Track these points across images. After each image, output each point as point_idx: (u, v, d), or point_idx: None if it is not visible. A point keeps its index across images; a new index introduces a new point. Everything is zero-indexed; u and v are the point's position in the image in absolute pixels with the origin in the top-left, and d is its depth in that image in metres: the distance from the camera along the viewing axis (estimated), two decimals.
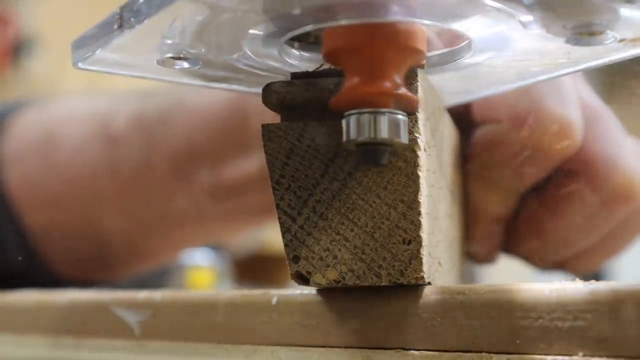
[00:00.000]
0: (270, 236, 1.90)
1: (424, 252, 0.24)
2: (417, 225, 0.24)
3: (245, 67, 0.26)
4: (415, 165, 0.24)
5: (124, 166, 0.49)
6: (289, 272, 0.25)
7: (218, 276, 1.66)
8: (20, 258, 0.52)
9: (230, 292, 0.28)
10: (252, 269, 2.02)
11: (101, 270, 0.54)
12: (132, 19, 0.23)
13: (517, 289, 0.22)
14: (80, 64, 0.25)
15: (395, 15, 0.22)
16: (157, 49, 0.24)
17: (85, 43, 0.25)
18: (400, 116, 0.22)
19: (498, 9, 0.22)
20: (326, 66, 0.25)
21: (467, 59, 0.25)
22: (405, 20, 0.22)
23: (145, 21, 0.22)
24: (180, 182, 0.47)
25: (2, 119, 0.54)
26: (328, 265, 0.24)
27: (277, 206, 0.25)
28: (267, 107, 0.25)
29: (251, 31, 0.23)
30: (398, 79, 0.22)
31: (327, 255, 0.24)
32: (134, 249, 0.53)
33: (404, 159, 0.24)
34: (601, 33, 0.23)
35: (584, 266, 0.39)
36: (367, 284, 0.24)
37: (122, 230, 0.51)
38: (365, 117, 0.22)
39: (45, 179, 0.51)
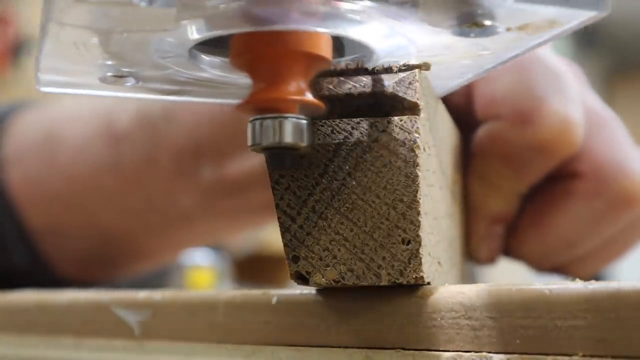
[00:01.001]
0: (270, 236, 1.90)
1: (424, 252, 0.24)
2: (417, 225, 0.24)
3: (188, 80, 0.26)
4: (415, 165, 0.24)
5: (127, 164, 0.49)
6: (289, 272, 0.25)
7: (218, 276, 1.66)
8: (21, 257, 0.52)
9: (230, 292, 0.28)
10: (252, 269, 2.03)
11: (103, 270, 0.54)
12: (42, 40, 0.23)
13: (517, 289, 0.22)
14: (41, 88, 0.26)
15: (296, 23, 0.22)
16: (96, 68, 0.25)
17: (36, 67, 0.25)
18: (303, 121, 0.23)
19: (376, 11, 0.22)
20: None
21: (376, 61, 0.25)
22: (306, 29, 0.23)
23: (45, 43, 0.23)
24: (183, 179, 0.47)
25: (3, 118, 0.54)
26: (327, 265, 0.24)
27: (277, 206, 0.25)
28: None
29: (157, 43, 0.23)
30: (303, 85, 0.23)
31: (326, 255, 0.24)
32: (137, 248, 0.53)
33: (403, 159, 0.24)
34: (485, 24, 0.22)
35: (585, 270, 0.39)
36: (367, 283, 0.24)
37: (125, 229, 0.51)
38: (269, 122, 0.23)
39: (47, 177, 0.51)
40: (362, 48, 0.25)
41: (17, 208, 0.51)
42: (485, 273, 0.44)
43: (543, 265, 0.39)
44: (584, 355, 0.21)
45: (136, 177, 0.48)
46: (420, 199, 0.24)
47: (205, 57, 0.25)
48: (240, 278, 1.90)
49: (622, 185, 0.35)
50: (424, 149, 0.24)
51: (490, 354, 0.23)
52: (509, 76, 0.33)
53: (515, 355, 0.22)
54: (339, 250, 0.24)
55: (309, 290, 0.26)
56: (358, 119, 0.24)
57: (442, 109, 0.29)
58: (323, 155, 0.24)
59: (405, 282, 0.24)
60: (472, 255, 0.37)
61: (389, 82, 0.24)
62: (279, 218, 0.25)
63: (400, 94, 0.24)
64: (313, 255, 0.25)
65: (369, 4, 0.22)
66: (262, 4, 0.22)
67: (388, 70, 0.24)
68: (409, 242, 0.24)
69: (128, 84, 0.25)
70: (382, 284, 0.24)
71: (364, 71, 0.24)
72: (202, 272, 1.61)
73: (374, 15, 0.23)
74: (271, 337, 0.27)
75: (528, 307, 0.22)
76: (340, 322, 0.25)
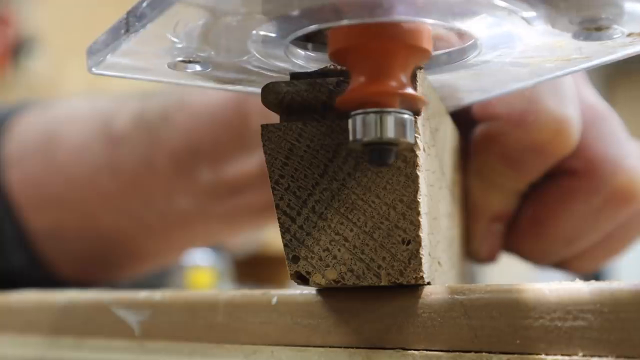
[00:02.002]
0: (270, 236, 1.90)
1: (424, 252, 0.24)
2: (417, 225, 0.24)
3: (256, 69, 0.26)
4: (415, 165, 0.24)
5: (125, 166, 0.49)
6: (289, 272, 0.25)
7: (218, 276, 1.66)
8: (20, 259, 0.52)
9: (230, 292, 0.28)
10: (252, 269, 2.03)
11: (102, 271, 0.54)
12: (136, 24, 0.23)
13: (517, 289, 0.22)
14: (94, 69, 0.25)
15: (401, 14, 0.22)
16: (167, 52, 0.24)
17: (98, 48, 0.25)
18: (406, 115, 0.22)
19: (501, 7, 0.22)
20: (329, 66, 0.25)
21: (475, 58, 0.25)
22: (410, 20, 0.22)
23: (149, 25, 0.22)
24: (181, 181, 0.47)
25: (4, 120, 0.54)
26: (327, 265, 0.24)
27: (277, 206, 0.25)
28: (266, 107, 0.25)
29: (255, 33, 0.23)
30: (404, 78, 0.22)
31: (326, 255, 0.24)
32: (135, 249, 0.53)
33: (403, 159, 0.24)
34: (608, 28, 0.22)
35: (585, 266, 0.39)
36: (367, 284, 0.24)
37: (123, 230, 0.51)
38: (371, 117, 0.22)
39: (47, 179, 0.51)
40: (463, 40, 0.25)
41: (16, 209, 0.51)
42: (484, 273, 0.44)
43: (543, 261, 0.39)
44: (584, 355, 0.21)
45: (134, 179, 0.49)
46: (420, 199, 0.24)
47: (297, 48, 0.25)
48: (240, 278, 1.91)
49: (620, 182, 0.35)
50: (423, 149, 0.24)
51: (490, 354, 0.23)
52: None
53: (515, 356, 0.22)
54: (339, 250, 0.24)
55: (309, 291, 0.26)
56: None
57: (442, 109, 0.29)
58: (323, 155, 0.24)
59: (405, 282, 0.24)
60: (473, 254, 0.37)
61: None
62: (278, 218, 0.25)
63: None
64: (313, 255, 0.25)
65: (499, 3, 0.22)
66: None
67: None
68: (409, 242, 0.24)
69: (192, 69, 0.25)
70: (382, 284, 0.24)
71: None
72: (202, 272, 1.61)
73: (496, 11, 0.22)
74: (271, 337, 0.27)
75: (528, 307, 0.22)
76: (340, 322, 0.25)
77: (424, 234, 0.24)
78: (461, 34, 0.25)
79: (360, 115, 0.22)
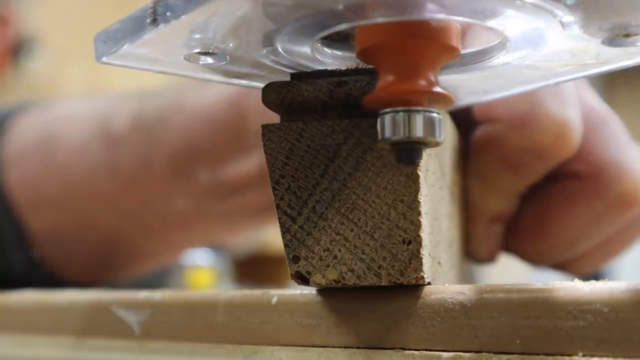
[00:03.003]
0: (270, 236, 1.90)
1: (424, 252, 0.24)
2: (417, 225, 0.24)
3: (271, 64, 0.25)
4: (415, 165, 0.24)
5: (123, 167, 0.49)
6: (289, 272, 0.25)
7: (218, 276, 1.66)
8: (19, 260, 0.51)
9: (230, 292, 0.28)
10: (252, 269, 2.03)
11: (101, 272, 0.54)
12: (167, 14, 0.22)
13: (517, 289, 0.22)
14: (104, 59, 0.24)
15: (430, 12, 0.22)
16: (185, 44, 0.24)
17: (111, 37, 0.24)
18: (434, 114, 0.22)
19: (539, 7, 0.22)
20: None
21: (499, 58, 0.25)
22: (441, 18, 0.22)
23: (183, 17, 0.22)
24: (180, 182, 0.47)
25: (3, 120, 0.54)
26: (328, 265, 0.24)
27: (277, 206, 0.25)
28: (267, 106, 0.25)
29: (289, 28, 0.23)
30: (432, 77, 0.22)
31: (327, 255, 0.24)
32: (135, 250, 0.53)
33: None
34: (637, 34, 0.22)
35: (583, 268, 0.39)
36: (367, 284, 0.24)
37: (122, 231, 0.51)
38: (400, 116, 0.22)
39: (46, 179, 0.51)
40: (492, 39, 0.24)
41: (15, 210, 0.51)
42: (484, 273, 0.44)
43: (542, 262, 0.39)
44: (584, 355, 0.21)
45: (132, 179, 0.49)
46: (420, 199, 0.24)
47: (323, 47, 0.24)
48: (241, 278, 1.90)
49: (622, 186, 0.35)
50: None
51: (490, 354, 0.23)
52: None
53: (515, 356, 0.22)
54: (339, 250, 0.24)
55: (309, 291, 0.26)
56: (358, 119, 0.24)
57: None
58: (324, 155, 0.24)
59: (405, 282, 0.24)
60: (472, 254, 0.37)
61: None
62: (279, 218, 0.25)
63: None
64: (313, 255, 0.25)
65: (539, 3, 0.21)
66: None
67: None
68: (409, 243, 0.24)
69: (206, 62, 0.24)
70: (383, 284, 0.24)
71: (365, 71, 0.24)
72: (202, 272, 1.61)
73: (532, 12, 0.22)
74: (271, 337, 0.27)
75: (528, 307, 0.22)
76: (341, 322, 0.25)
77: (424, 234, 0.24)
78: (487, 34, 0.25)
79: (389, 114, 0.22)
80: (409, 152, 0.22)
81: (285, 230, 0.25)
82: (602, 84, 3.28)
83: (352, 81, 0.24)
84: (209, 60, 0.24)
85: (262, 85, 0.26)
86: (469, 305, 0.23)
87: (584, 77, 0.27)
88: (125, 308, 0.31)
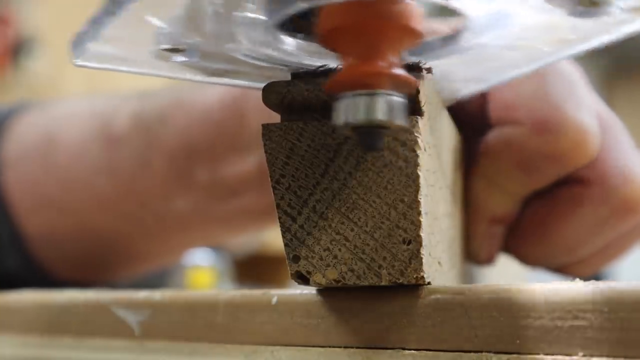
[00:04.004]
0: (270, 236, 1.90)
1: (424, 252, 0.24)
2: (417, 225, 0.24)
3: (245, 58, 0.25)
4: (415, 165, 0.24)
5: (122, 167, 0.49)
6: (289, 271, 0.25)
7: (218, 276, 1.66)
8: (14, 261, 0.51)
9: (230, 292, 0.28)
10: (252, 269, 2.03)
11: (98, 273, 0.54)
12: (116, 5, 0.21)
13: (517, 289, 0.22)
14: (77, 61, 0.24)
15: None
16: (151, 39, 0.23)
17: (80, 39, 0.24)
18: (396, 98, 0.21)
19: None
20: (330, 65, 0.25)
21: (470, 40, 0.25)
22: None
23: (130, 6, 0.21)
24: (179, 182, 0.47)
25: (3, 120, 0.54)
26: (328, 265, 0.24)
27: (277, 206, 0.25)
28: (268, 106, 0.25)
29: (241, 15, 0.22)
30: (394, 59, 0.22)
31: (327, 255, 0.24)
32: (133, 251, 0.53)
33: (404, 159, 0.24)
34: (604, 2, 0.22)
35: (584, 270, 0.39)
36: (367, 283, 0.24)
37: (120, 232, 0.51)
38: (361, 99, 0.21)
39: (44, 180, 0.51)
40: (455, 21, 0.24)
41: (12, 211, 0.51)
42: (484, 273, 0.44)
43: (542, 265, 0.39)
44: (584, 355, 0.21)
45: (131, 180, 0.48)
46: (421, 199, 0.24)
47: (286, 36, 0.24)
48: (240, 278, 1.91)
49: (629, 192, 0.35)
50: (424, 149, 0.24)
51: (490, 354, 0.23)
52: (527, 82, 0.33)
53: (515, 355, 0.22)
54: (339, 250, 0.24)
55: (309, 290, 0.26)
56: None
57: (442, 109, 0.29)
58: (324, 155, 0.24)
59: (405, 282, 0.24)
60: (472, 255, 0.37)
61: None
62: (279, 218, 0.25)
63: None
64: (314, 255, 0.25)
65: None
66: None
67: None
68: (409, 242, 0.24)
69: (178, 59, 0.24)
70: (383, 284, 0.24)
71: None
72: (202, 272, 1.61)
73: None
74: (271, 337, 0.27)
75: (528, 307, 0.22)
76: (341, 322, 0.25)
77: (424, 233, 0.24)
78: (453, 15, 0.24)
79: (349, 97, 0.21)
80: (370, 136, 0.22)
81: (285, 230, 0.25)
82: (603, 85, 3.28)
83: None
84: (181, 57, 0.24)
85: (245, 82, 0.25)
86: (469, 305, 0.23)
87: (573, 55, 0.26)
88: (125, 308, 0.31)
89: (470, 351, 0.23)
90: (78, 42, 0.24)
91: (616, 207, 0.35)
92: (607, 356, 0.21)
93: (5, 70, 1.86)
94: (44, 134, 0.52)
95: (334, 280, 0.24)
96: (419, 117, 0.24)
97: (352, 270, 0.24)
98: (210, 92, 0.46)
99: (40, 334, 0.34)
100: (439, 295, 0.24)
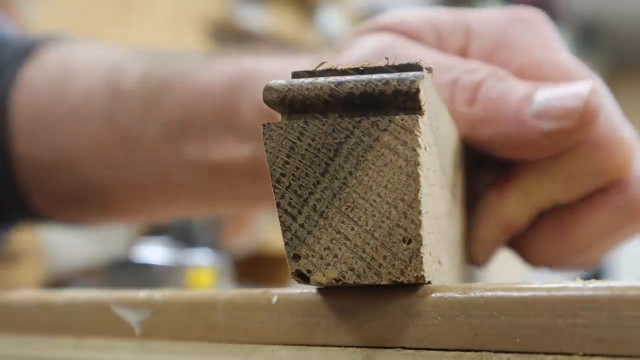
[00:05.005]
0: (270, 236, 1.90)
1: (424, 251, 0.24)
2: (418, 224, 0.24)
3: None
4: (416, 164, 0.24)
5: (122, 120, 0.50)
6: (289, 270, 0.25)
7: (218, 276, 1.66)
8: (1, 175, 0.53)
9: (230, 291, 0.28)
10: (252, 268, 2.03)
11: (78, 214, 0.57)
12: None
13: (517, 288, 0.22)
14: None
15: None
16: None
17: None
18: None
19: None
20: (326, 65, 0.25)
21: None
22: None
23: None
24: (168, 150, 0.49)
25: (32, 46, 0.56)
26: (328, 264, 0.24)
27: (278, 205, 0.25)
28: (268, 105, 0.25)
29: None
30: None
31: (327, 254, 0.24)
32: (113, 202, 0.54)
33: (404, 158, 0.24)
34: None
35: (585, 264, 0.40)
36: (368, 282, 0.24)
37: (105, 179, 0.52)
38: None
39: (50, 108, 0.53)
40: None
41: (10, 126, 0.53)
42: (484, 272, 0.44)
43: (549, 266, 0.39)
44: (584, 355, 0.21)
45: (125, 134, 0.50)
46: (421, 198, 0.24)
47: None
48: (240, 278, 1.90)
49: None
50: (425, 148, 0.24)
51: (490, 353, 0.23)
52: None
53: (515, 355, 0.22)
54: (339, 249, 0.24)
55: (309, 290, 0.26)
56: (359, 117, 0.24)
57: (443, 108, 0.29)
58: (324, 154, 0.24)
59: (406, 281, 0.24)
60: (469, 256, 0.37)
61: (391, 81, 0.24)
62: (279, 217, 0.25)
63: (403, 93, 0.24)
64: (314, 254, 0.25)
65: None
66: None
67: (390, 69, 0.24)
68: (410, 241, 0.24)
69: None
70: (383, 283, 0.24)
71: (366, 70, 0.24)
72: (202, 272, 1.61)
73: None
74: (271, 336, 0.27)
75: (528, 306, 0.22)
76: (341, 321, 0.25)
77: (425, 233, 0.24)
78: None
79: None
80: None
81: (285, 229, 0.25)
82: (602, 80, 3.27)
83: (353, 80, 0.24)
84: None
85: None
86: (469, 304, 0.23)
87: None
88: (125, 307, 0.31)
89: (470, 350, 0.23)
90: None
91: (631, 214, 0.35)
92: (607, 355, 0.21)
93: None
94: (63, 70, 0.54)
95: (334, 279, 0.24)
96: (419, 116, 0.24)
97: (352, 269, 0.24)
98: (214, 70, 0.47)
99: (40, 334, 0.34)
100: (439, 295, 0.24)
